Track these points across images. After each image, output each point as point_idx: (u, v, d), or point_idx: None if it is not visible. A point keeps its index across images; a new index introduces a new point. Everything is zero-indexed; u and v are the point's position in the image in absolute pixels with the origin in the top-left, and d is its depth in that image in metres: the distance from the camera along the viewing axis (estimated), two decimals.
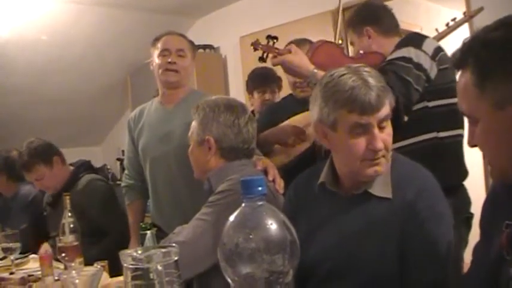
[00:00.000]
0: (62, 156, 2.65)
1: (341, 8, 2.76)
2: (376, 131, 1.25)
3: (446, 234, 1.24)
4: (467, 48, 0.94)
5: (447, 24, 2.18)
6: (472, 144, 0.99)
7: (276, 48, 1.88)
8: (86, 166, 2.74)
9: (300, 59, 1.79)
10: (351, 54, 2.26)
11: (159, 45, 2.23)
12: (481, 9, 2.18)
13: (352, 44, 2.09)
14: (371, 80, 1.25)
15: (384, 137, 1.27)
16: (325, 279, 1.30)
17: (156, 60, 2.24)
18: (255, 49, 1.93)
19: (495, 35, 0.90)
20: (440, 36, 2.13)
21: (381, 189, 1.29)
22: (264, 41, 1.92)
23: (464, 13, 2.25)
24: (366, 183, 1.31)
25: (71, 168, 2.64)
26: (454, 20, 2.18)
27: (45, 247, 1.81)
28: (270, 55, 1.89)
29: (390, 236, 1.24)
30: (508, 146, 0.92)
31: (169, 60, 2.18)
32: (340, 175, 1.37)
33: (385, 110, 1.26)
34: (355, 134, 1.26)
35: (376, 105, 1.23)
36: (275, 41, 1.90)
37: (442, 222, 1.24)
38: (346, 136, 1.27)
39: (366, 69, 1.29)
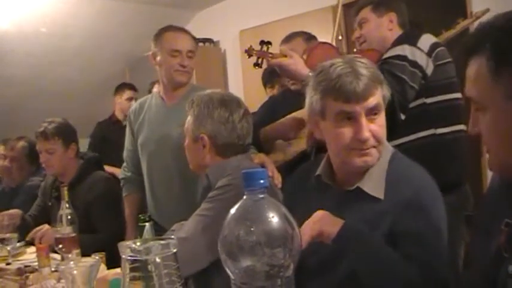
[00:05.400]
0: (78, 148, 2.65)
1: (341, 4, 2.74)
2: (363, 120, 1.23)
3: (442, 235, 1.23)
4: (484, 34, 0.90)
5: (453, 26, 2.18)
6: (473, 132, 0.97)
7: (270, 53, 1.89)
8: (94, 160, 2.74)
9: (295, 62, 1.80)
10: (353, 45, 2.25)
11: (168, 44, 2.19)
12: (487, 10, 2.18)
13: (362, 22, 2.07)
14: (361, 70, 1.24)
15: (374, 127, 1.25)
16: (314, 271, 1.30)
17: (165, 57, 2.19)
18: (249, 55, 1.94)
19: None
20: (447, 36, 2.13)
21: (374, 187, 1.27)
22: (257, 47, 1.92)
23: (470, 14, 2.26)
24: (359, 178, 1.29)
25: (80, 161, 2.63)
26: (459, 21, 2.19)
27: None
28: (265, 60, 1.91)
29: (378, 234, 1.22)
30: None
31: (183, 63, 2.17)
32: (334, 168, 1.37)
33: (374, 99, 1.25)
34: (342, 123, 1.25)
35: (363, 94, 1.22)
36: (269, 46, 1.91)
37: (438, 223, 1.23)
38: (333, 124, 1.27)
39: (361, 60, 1.28)
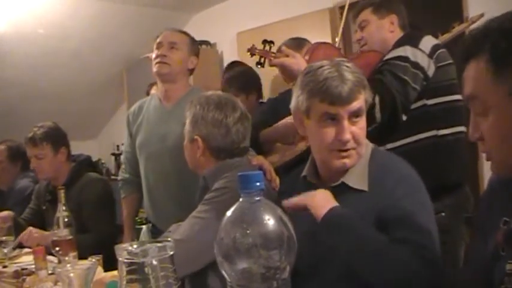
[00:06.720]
0: (69, 151, 2.64)
1: (347, 5, 2.72)
2: (345, 122, 1.30)
3: (429, 220, 1.25)
4: (482, 36, 0.92)
5: (448, 30, 2.19)
6: (474, 137, 0.97)
7: (273, 53, 1.90)
8: (87, 162, 2.74)
9: (297, 62, 1.81)
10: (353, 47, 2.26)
11: (157, 40, 2.25)
12: (481, 15, 2.19)
13: (363, 24, 2.08)
14: (347, 74, 1.29)
15: (355, 130, 1.31)
16: (308, 272, 1.30)
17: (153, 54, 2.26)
18: (252, 54, 1.96)
19: None
20: (443, 40, 2.13)
21: (357, 181, 1.32)
22: (260, 46, 1.93)
23: (466, 18, 2.27)
24: (342, 174, 1.34)
25: (72, 164, 2.63)
26: (455, 26, 2.20)
27: None
28: (267, 60, 1.92)
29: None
30: None
31: (159, 52, 2.19)
32: (317, 166, 1.41)
33: (358, 103, 1.30)
34: (325, 124, 1.31)
35: (347, 98, 1.28)
36: (271, 45, 1.92)
37: (423, 208, 1.26)
38: (317, 124, 1.33)
39: (347, 64, 1.33)
